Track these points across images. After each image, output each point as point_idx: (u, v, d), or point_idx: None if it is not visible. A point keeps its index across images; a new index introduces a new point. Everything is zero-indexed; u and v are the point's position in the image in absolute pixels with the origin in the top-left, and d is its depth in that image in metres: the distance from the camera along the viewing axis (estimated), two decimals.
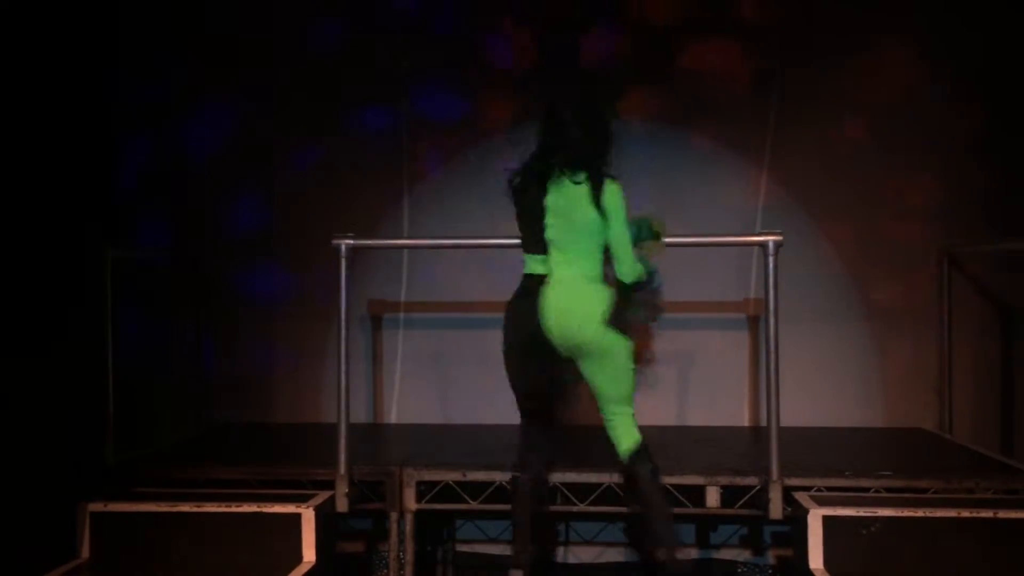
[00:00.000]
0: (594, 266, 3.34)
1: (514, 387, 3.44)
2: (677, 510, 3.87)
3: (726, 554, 4.78)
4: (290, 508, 3.61)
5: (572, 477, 3.88)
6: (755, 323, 4.94)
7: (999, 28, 4.85)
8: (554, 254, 3.34)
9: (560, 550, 4.86)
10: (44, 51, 3.83)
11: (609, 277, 3.40)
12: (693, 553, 4.81)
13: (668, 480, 3.84)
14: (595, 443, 4.27)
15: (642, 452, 3.40)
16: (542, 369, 3.39)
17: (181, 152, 5.15)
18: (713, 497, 3.83)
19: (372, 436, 4.78)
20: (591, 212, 3.29)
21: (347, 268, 3.77)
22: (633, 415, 3.46)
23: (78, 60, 4.08)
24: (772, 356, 3.64)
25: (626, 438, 3.42)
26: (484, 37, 5.11)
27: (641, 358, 3.38)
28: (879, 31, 4.96)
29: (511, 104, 5.06)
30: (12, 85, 3.63)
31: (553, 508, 3.93)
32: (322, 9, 5.14)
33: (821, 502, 3.59)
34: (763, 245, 3.66)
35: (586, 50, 5.06)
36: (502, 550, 4.84)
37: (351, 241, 3.77)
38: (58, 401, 3.81)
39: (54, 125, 3.90)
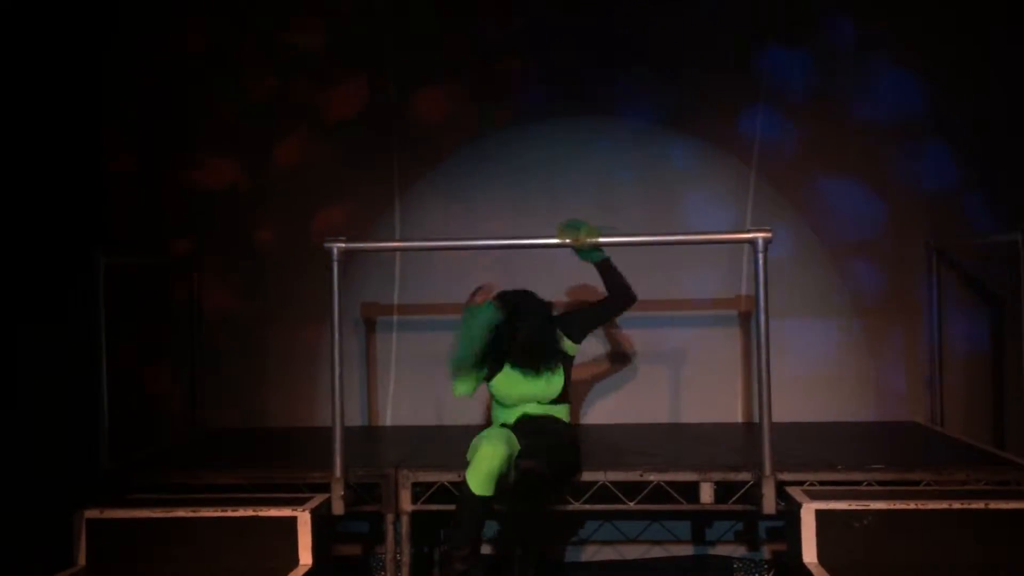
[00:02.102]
0: None
1: None
2: (672, 507, 3.90)
3: (721, 550, 4.80)
4: (286, 511, 3.62)
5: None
6: (746, 320, 4.96)
7: (988, 24, 4.87)
8: None
9: (556, 549, 4.88)
10: (35, 57, 3.84)
11: None
12: (690, 550, 4.84)
13: (662, 477, 3.86)
14: (588, 442, 4.29)
15: None
16: None
17: (173, 155, 5.15)
18: (707, 493, 3.84)
19: (367, 439, 4.79)
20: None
21: (339, 271, 3.78)
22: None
23: (69, 65, 4.10)
24: (763, 352, 3.66)
25: None
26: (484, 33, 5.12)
27: None
28: (867, 26, 4.98)
29: (507, 106, 5.10)
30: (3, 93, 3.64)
31: (549, 507, 3.95)
32: (311, 10, 5.16)
33: (814, 496, 3.61)
34: (753, 242, 3.67)
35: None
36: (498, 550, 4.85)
37: (343, 244, 3.78)
38: (53, 408, 3.82)
39: (46, 131, 3.92)
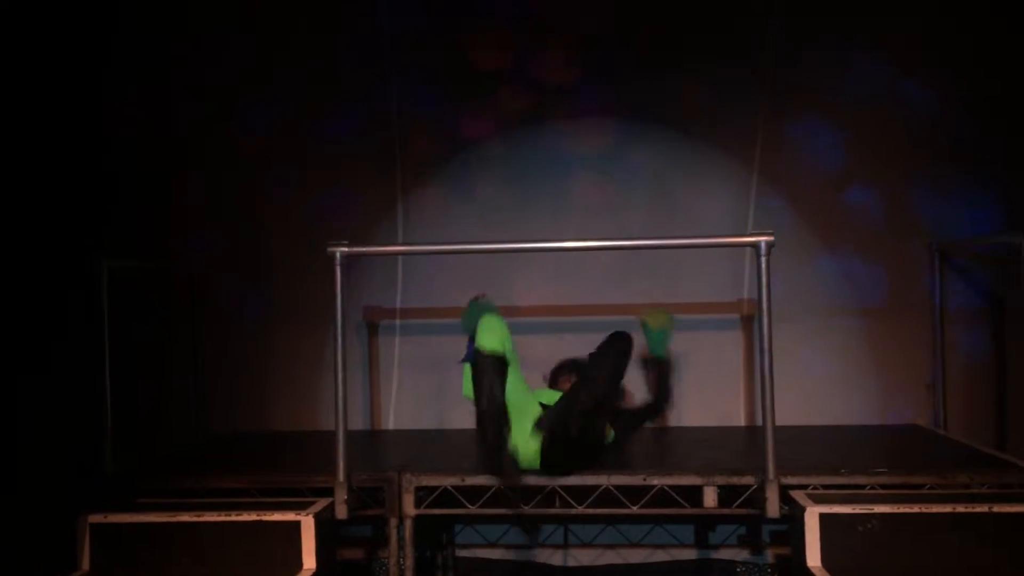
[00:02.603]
0: None
1: None
2: (675, 511, 3.90)
3: (725, 554, 4.80)
4: (290, 516, 3.62)
5: (570, 480, 3.89)
6: (749, 323, 4.96)
7: (989, 27, 4.87)
8: None
9: (559, 553, 4.88)
10: (38, 59, 3.84)
11: None
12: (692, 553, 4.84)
13: (665, 481, 3.86)
14: None
15: None
16: None
17: (175, 159, 5.16)
18: (711, 497, 3.84)
19: (370, 442, 4.80)
20: None
21: (342, 275, 3.78)
22: None
23: (72, 68, 4.10)
24: (766, 355, 3.65)
25: None
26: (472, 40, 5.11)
27: None
28: (869, 30, 4.98)
29: (510, 109, 5.10)
30: (6, 94, 3.64)
31: (552, 511, 3.95)
32: (313, 15, 5.16)
33: (818, 500, 3.61)
34: (755, 245, 3.67)
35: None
36: (502, 554, 4.87)
37: (346, 248, 3.78)
38: (57, 412, 3.82)
39: (48, 134, 3.92)
